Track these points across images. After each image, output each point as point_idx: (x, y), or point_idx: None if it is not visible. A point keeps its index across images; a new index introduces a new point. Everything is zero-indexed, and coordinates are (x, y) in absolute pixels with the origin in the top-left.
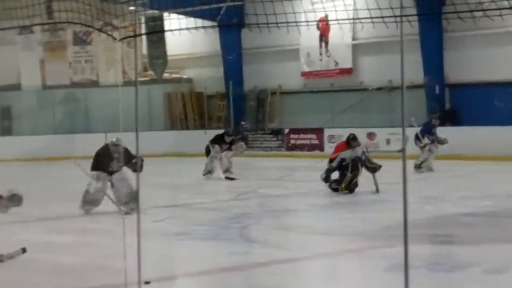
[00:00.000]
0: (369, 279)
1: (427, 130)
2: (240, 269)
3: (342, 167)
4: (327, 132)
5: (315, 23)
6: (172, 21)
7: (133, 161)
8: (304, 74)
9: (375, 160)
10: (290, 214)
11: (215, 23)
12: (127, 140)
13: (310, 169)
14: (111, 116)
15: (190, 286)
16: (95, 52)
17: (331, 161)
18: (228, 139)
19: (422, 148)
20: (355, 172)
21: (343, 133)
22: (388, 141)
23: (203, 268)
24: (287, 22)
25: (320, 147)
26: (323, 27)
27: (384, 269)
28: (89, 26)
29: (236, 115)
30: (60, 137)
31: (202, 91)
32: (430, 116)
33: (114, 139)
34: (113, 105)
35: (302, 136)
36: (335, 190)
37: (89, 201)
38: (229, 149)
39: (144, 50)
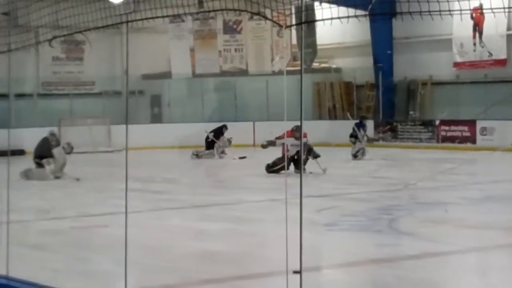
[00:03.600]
0: None
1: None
2: (389, 261)
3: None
4: (480, 124)
5: (468, 12)
6: (323, 10)
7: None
8: (456, 64)
9: None
10: (441, 207)
11: (366, 12)
12: (276, 128)
13: (461, 162)
14: (259, 104)
15: (338, 276)
16: (245, 41)
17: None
18: (225, 131)
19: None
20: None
21: (496, 126)
22: None
23: (351, 259)
24: (440, 10)
25: (472, 139)
26: (477, 16)
27: None
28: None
29: (386, 105)
30: (209, 125)
31: (351, 81)
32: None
33: (50, 130)
34: (262, 94)
35: (453, 128)
36: (272, 172)
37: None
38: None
39: (294, 40)
